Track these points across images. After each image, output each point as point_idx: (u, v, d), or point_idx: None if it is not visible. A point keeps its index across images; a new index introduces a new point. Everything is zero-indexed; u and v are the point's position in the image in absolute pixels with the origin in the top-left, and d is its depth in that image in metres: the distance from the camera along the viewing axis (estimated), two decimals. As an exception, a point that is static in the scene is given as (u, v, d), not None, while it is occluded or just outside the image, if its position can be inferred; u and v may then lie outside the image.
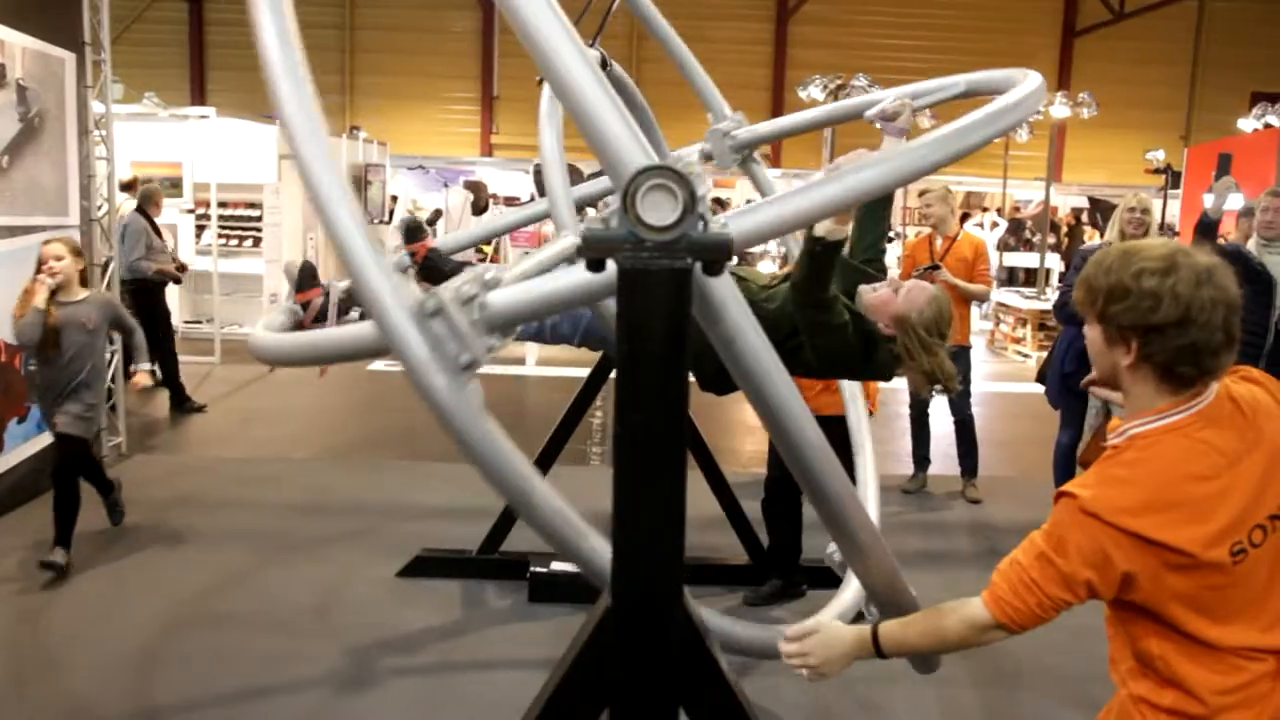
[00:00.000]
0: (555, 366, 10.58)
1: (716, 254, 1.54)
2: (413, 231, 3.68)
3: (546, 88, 3.33)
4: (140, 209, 8.72)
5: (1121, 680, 1.91)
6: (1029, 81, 2.71)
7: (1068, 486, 1.80)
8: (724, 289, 1.73)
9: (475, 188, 13.45)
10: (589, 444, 7.63)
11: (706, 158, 4.25)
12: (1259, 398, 1.87)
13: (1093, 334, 1.83)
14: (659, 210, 1.53)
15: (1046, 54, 23.44)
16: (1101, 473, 1.79)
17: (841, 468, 2.11)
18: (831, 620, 2.06)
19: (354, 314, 3.39)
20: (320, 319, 3.38)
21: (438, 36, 22.90)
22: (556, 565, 4.78)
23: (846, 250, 3.13)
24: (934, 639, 1.92)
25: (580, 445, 7.31)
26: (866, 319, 3.21)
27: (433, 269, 3.55)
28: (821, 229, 2.82)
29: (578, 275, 1.72)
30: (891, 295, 3.22)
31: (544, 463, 4.88)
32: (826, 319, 3.03)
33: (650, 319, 1.55)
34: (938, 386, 3.20)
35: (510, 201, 15.38)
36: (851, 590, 2.99)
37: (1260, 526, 1.78)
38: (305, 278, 3.44)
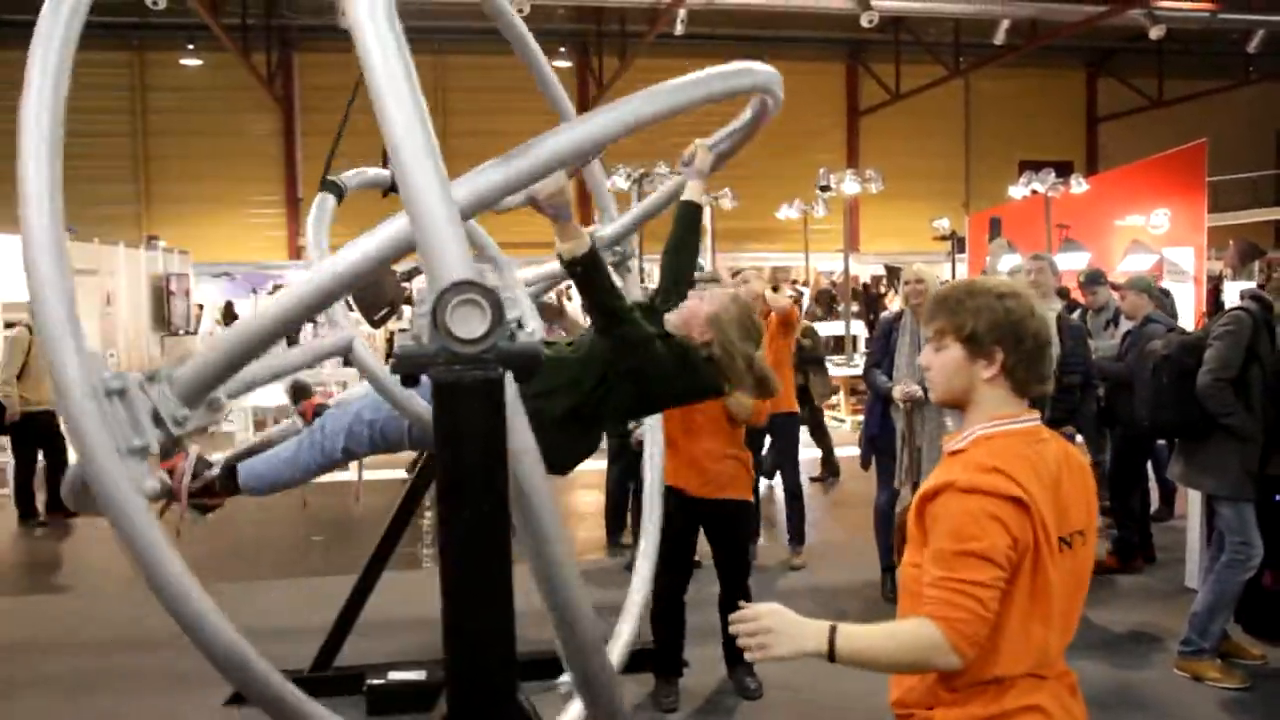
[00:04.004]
0: (379, 469, 10.35)
1: (526, 363, 1.60)
2: (299, 391, 3.68)
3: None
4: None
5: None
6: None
7: (940, 481, 1.96)
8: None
9: (285, 292, 13.16)
10: (419, 546, 7.49)
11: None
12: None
13: (949, 354, 2.04)
14: (468, 323, 1.58)
15: (834, 133, 24.92)
16: (962, 465, 1.97)
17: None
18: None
19: (211, 471, 3.34)
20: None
21: (237, 139, 22.46)
22: (394, 675, 4.66)
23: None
24: (890, 655, 1.92)
25: (410, 549, 7.18)
26: (676, 335, 3.31)
27: None
28: (565, 251, 2.89)
29: (254, 321, 1.79)
30: (698, 302, 3.39)
31: (374, 568, 4.78)
32: (629, 331, 3.02)
33: (467, 429, 1.59)
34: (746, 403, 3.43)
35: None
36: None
37: (1062, 538, 1.99)
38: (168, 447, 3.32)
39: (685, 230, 3.64)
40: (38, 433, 8.38)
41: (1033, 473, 1.94)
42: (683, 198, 3.64)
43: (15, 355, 8.36)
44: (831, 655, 1.89)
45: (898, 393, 5.60)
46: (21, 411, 8.25)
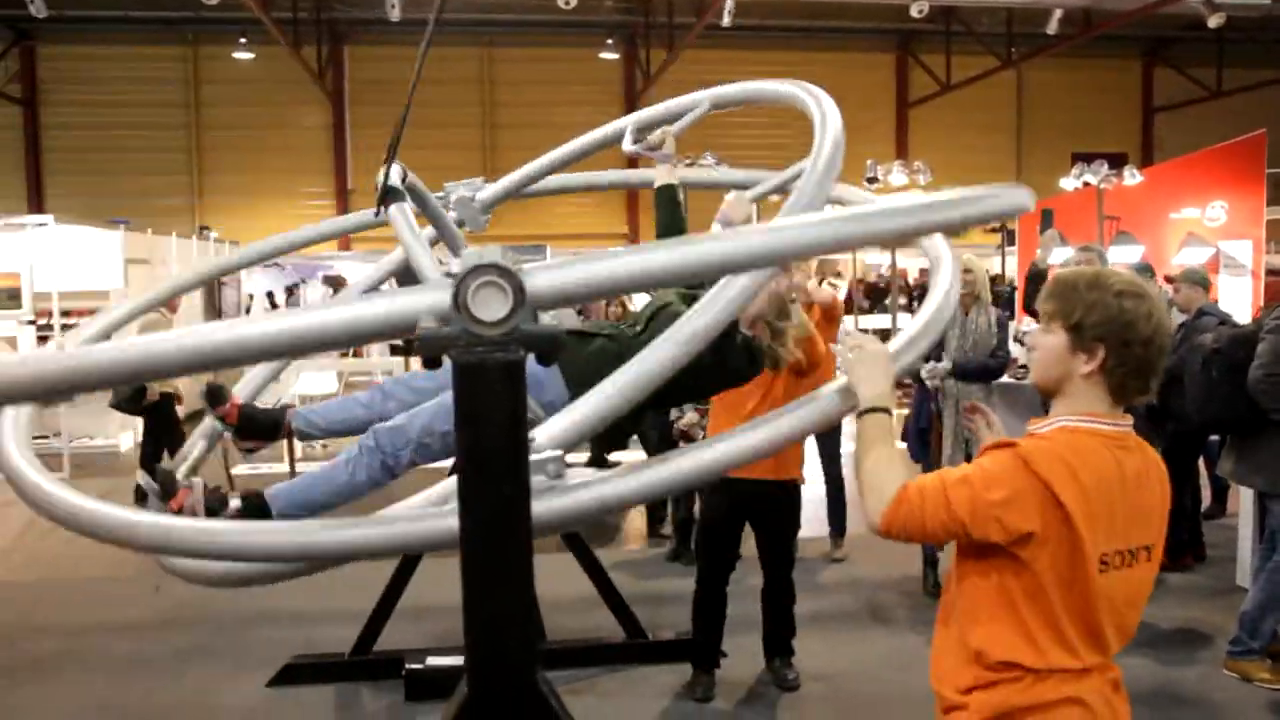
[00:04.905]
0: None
1: (547, 345, 1.60)
2: (214, 395, 3.43)
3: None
4: None
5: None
6: (827, 127, 2.88)
7: (1010, 439, 1.97)
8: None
9: (334, 282, 13.31)
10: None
11: (460, 224, 4.40)
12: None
13: (1054, 340, 2.00)
14: (490, 306, 1.58)
15: (883, 125, 24.64)
16: (1034, 440, 1.96)
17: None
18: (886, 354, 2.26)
19: (233, 503, 3.07)
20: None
21: (287, 132, 22.70)
22: (432, 661, 4.69)
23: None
24: (868, 461, 2.09)
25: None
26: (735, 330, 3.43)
27: (251, 423, 3.37)
28: None
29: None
30: None
31: (411, 558, 4.81)
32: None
33: (488, 410, 1.59)
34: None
35: (371, 294, 15.20)
36: None
37: (1123, 552, 1.97)
38: (168, 484, 3.13)
39: (671, 214, 3.75)
40: (164, 413, 8.63)
41: (1099, 481, 1.91)
42: (657, 183, 3.76)
43: None
44: (861, 411, 2.18)
45: (924, 373, 5.62)
46: (161, 392, 8.50)
